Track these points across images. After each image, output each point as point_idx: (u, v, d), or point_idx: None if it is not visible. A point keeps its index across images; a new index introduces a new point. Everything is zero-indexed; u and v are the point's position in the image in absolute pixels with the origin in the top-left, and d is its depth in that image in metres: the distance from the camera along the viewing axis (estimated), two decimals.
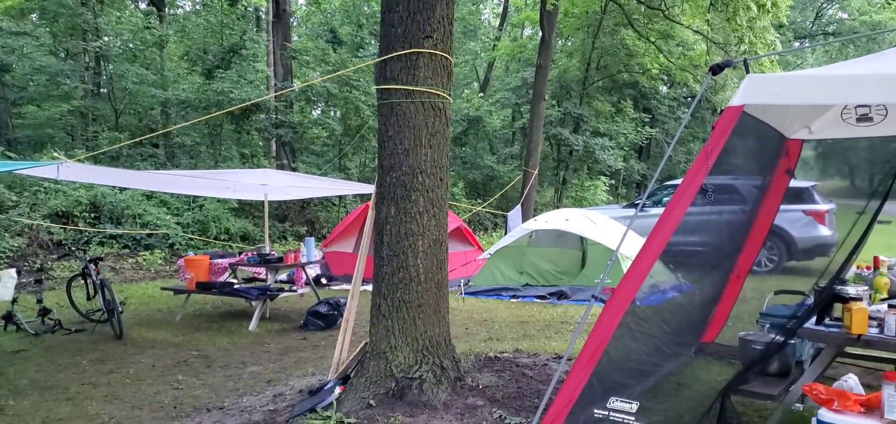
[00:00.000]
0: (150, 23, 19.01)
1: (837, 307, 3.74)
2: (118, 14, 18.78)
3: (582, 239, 10.78)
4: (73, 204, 13.75)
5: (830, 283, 3.81)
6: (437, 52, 4.71)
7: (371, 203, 5.20)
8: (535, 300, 10.03)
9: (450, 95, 4.92)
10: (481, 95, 25.78)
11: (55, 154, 6.33)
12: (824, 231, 11.76)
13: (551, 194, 23.78)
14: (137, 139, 12.27)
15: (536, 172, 16.95)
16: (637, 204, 13.18)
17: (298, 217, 17.88)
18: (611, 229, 10.36)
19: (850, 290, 3.79)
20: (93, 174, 9.06)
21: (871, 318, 3.55)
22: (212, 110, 15.50)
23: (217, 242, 14.75)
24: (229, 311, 9.57)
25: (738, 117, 3.75)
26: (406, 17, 4.69)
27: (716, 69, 3.79)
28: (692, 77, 20.40)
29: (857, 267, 4.53)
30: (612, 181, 25.63)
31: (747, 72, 3.81)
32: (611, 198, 24.59)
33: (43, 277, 9.54)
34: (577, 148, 22.56)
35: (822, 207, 11.99)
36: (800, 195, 11.93)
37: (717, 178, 4.07)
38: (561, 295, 10.04)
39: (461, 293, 10.43)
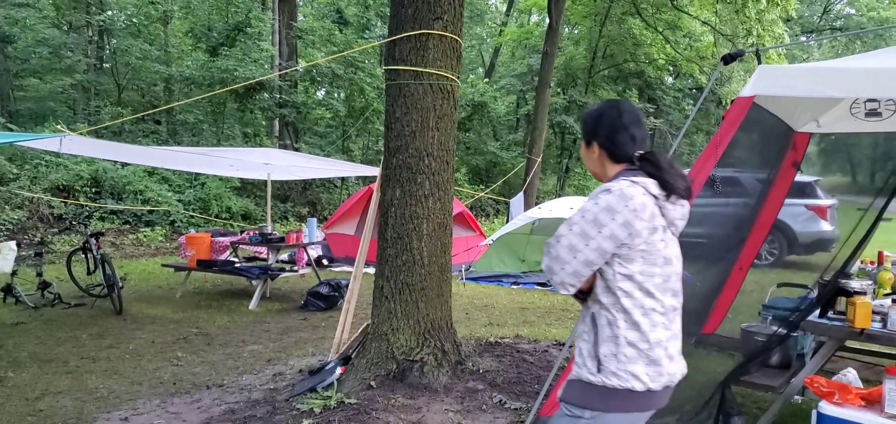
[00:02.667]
0: None
1: (841, 300, 3.72)
2: None
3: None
4: (74, 178, 13.73)
5: (834, 277, 3.80)
6: (448, 33, 4.67)
7: (376, 185, 5.18)
8: (536, 286, 10.03)
9: (458, 77, 4.89)
10: (487, 80, 25.69)
11: (58, 127, 6.30)
12: (825, 226, 11.77)
13: (554, 182, 23.75)
14: (139, 115, 12.24)
15: (540, 159, 16.90)
16: None
17: (300, 198, 17.87)
18: None
19: (854, 284, 3.78)
20: (95, 148, 9.02)
21: (874, 312, 3.54)
22: (215, 88, 15.46)
23: (218, 220, 14.75)
24: (230, 290, 9.57)
25: (748, 108, 3.73)
26: None
27: (727, 59, 3.76)
28: (698, 68, 20.31)
29: (862, 262, 4.52)
30: None
31: (759, 62, 3.78)
32: None
33: (43, 250, 9.54)
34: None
35: (824, 202, 11.99)
36: (802, 190, 11.92)
37: (725, 170, 4.05)
38: None
39: (462, 279, 10.43)
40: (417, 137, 4.68)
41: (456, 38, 4.73)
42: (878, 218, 3.76)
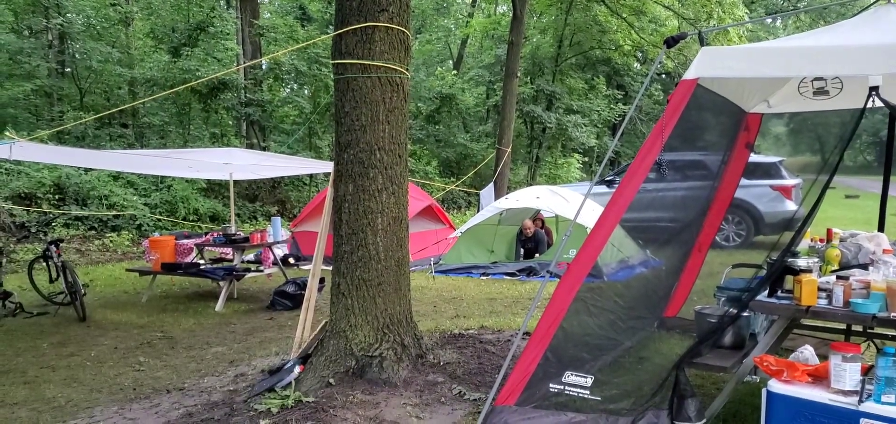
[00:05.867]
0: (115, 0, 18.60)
1: (789, 279, 3.77)
2: None
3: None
4: (36, 186, 13.48)
5: (782, 255, 3.84)
6: (394, 25, 4.63)
7: (330, 181, 5.14)
8: (505, 277, 10.04)
9: (407, 69, 4.85)
10: (455, 72, 25.64)
11: (8, 134, 6.17)
12: (791, 206, 11.92)
13: (525, 171, 23.81)
14: (94, 117, 11.99)
15: (509, 150, 16.93)
16: (609, 180, 13.23)
17: (269, 197, 17.71)
18: (584, 206, 10.39)
19: (801, 262, 3.82)
20: (50, 154, 8.86)
21: (820, 289, 3.58)
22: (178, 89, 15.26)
23: (186, 223, 14.57)
24: (197, 292, 9.46)
25: (692, 90, 3.76)
26: None
27: (670, 42, 3.78)
28: (665, 54, 20.44)
29: (811, 239, 4.58)
30: (586, 159, 25.72)
31: (701, 44, 3.80)
32: (584, 175, 24.70)
33: (3, 260, 9.32)
34: (551, 126, 22.58)
35: (789, 182, 12.16)
36: (767, 171, 12.08)
37: (676, 152, 4.07)
38: (530, 272, 10.07)
39: (432, 272, 10.42)
40: (368, 132, 4.64)
41: (403, 30, 4.70)
42: (823, 193, 3.80)
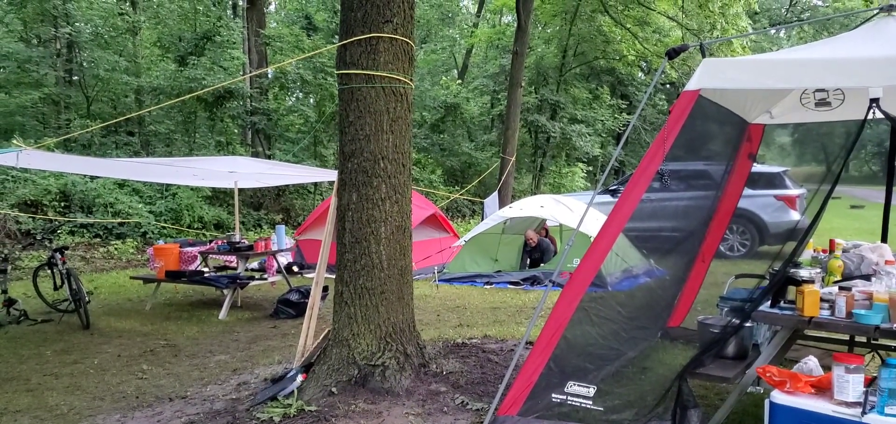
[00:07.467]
0: (122, 8, 18.70)
1: (791, 290, 3.77)
2: (89, 0, 18.47)
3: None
4: (42, 193, 13.53)
5: (784, 266, 3.84)
6: (398, 36, 4.67)
7: (334, 190, 5.16)
8: (509, 286, 10.04)
9: (411, 80, 4.88)
10: (459, 81, 25.70)
11: (16, 141, 6.20)
12: (795, 216, 11.90)
13: (529, 180, 23.82)
14: (100, 125, 12.05)
15: (513, 159, 16.95)
16: (613, 190, 13.23)
17: (273, 205, 17.76)
18: (587, 215, 10.40)
19: (803, 273, 3.82)
20: (56, 162, 8.92)
21: (822, 300, 3.58)
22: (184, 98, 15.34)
23: (190, 230, 14.61)
24: (201, 300, 9.48)
25: (694, 102, 3.77)
26: (365, 1, 4.64)
27: (672, 54, 3.80)
28: (669, 64, 20.47)
29: (814, 250, 4.58)
30: (590, 168, 25.72)
31: (703, 56, 3.82)
32: (589, 184, 24.70)
33: (8, 267, 9.36)
34: (555, 135, 22.60)
35: (793, 192, 12.15)
36: (771, 180, 12.07)
37: (678, 162, 4.09)
38: (534, 281, 10.06)
39: (435, 280, 10.42)
40: (372, 141, 4.67)
41: (407, 40, 4.73)
42: (825, 203, 3.80)
